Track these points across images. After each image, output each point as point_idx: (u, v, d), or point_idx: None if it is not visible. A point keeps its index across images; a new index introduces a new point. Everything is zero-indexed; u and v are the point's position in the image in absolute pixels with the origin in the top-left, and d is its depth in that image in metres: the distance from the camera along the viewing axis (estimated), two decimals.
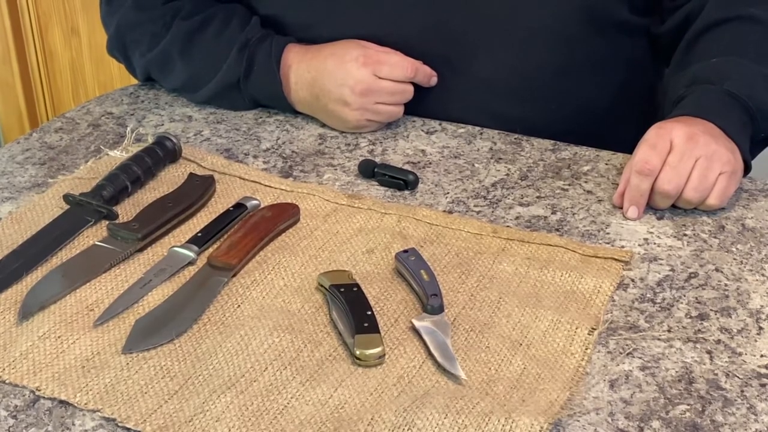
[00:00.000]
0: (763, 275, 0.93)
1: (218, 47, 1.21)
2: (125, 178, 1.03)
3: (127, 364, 0.80)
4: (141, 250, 0.95)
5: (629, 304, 0.89)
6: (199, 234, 0.96)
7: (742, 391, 0.78)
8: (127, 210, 1.01)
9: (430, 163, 1.13)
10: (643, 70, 1.28)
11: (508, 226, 1.00)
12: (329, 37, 1.20)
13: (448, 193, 1.07)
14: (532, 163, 1.13)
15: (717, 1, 1.14)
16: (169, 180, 1.08)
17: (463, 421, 0.73)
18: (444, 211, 1.03)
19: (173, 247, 0.94)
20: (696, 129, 1.00)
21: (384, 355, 0.81)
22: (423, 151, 1.16)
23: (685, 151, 0.98)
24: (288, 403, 0.76)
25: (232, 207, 1.01)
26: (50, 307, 0.86)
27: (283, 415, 0.75)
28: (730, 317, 0.87)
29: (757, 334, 0.85)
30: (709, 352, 0.83)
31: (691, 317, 0.87)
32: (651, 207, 1.02)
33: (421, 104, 1.21)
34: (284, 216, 0.99)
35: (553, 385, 0.78)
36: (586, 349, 0.82)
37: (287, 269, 0.92)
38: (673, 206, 1.03)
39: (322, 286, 0.89)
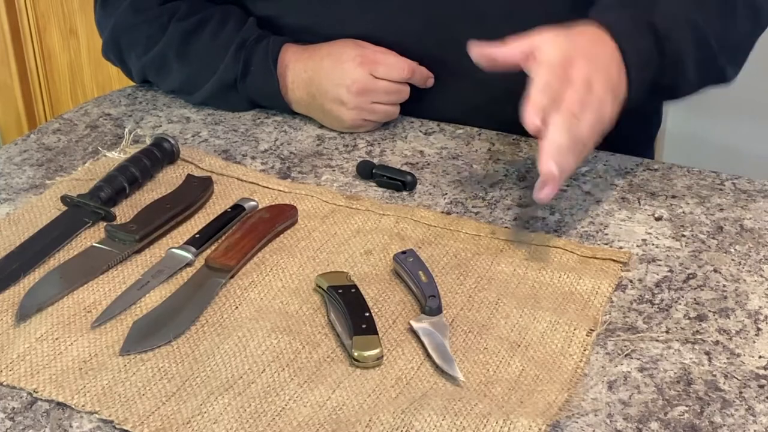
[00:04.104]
0: (761, 276, 0.93)
1: (215, 48, 1.21)
2: (123, 179, 1.03)
3: (125, 365, 0.80)
4: (139, 251, 0.95)
5: (627, 305, 0.89)
6: (197, 235, 0.96)
7: (741, 393, 0.78)
8: (125, 211, 1.01)
9: (429, 164, 1.13)
10: None
11: (506, 227, 1.00)
12: (326, 38, 1.20)
13: (446, 194, 1.07)
14: (531, 164, 1.12)
15: None
16: (167, 181, 1.07)
17: (461, 422, 0.73)
18: (442, 212, 1.03)
19: (171, 248, 0.94)
20: (597, 74, 0.94)
21: (382, 356, 0.81)
22: (421, 152, 1.16)
23: (580, 97, 0.92)
24: (286, 405, 0.76)
25: (230, 208, 1.01)
26: (48, 309, 0.86)
27: (281, 417, 0.75)
28: (729, 318, 0.87)
29: (756, 335, 0.85)
30: (707, 353, 0.83)
31: (689, 318, 0.87)
32: (647, 205, 1.01)
33: (418, 105, 1.21)
34: (282, 217, 0.99)
35: (552, 387, 0.78)
36: (585, 350, 0.82)
37: (285, 270, 0.92)
38: (672, 206, 1.03)
39: (320, 287, 0.88)
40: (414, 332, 0.84)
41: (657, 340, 0.84)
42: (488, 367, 0.80)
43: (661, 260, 0.95)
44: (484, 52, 0.97)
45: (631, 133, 1.30)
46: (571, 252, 0.95)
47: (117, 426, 0.74)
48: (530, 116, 0.92)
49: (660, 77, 1.03)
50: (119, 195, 1.03)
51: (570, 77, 0.93)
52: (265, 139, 1.18)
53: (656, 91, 1.04)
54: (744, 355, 0.82)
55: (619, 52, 0.98)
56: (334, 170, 1.11)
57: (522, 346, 0.83)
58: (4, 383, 0.79)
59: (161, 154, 1.09)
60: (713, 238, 0.99)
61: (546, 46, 0.96)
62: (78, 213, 0.99)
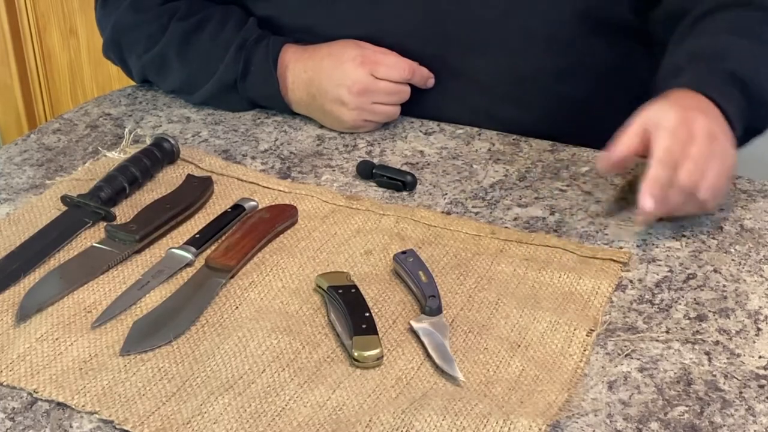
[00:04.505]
0: (761, 276, 0.93)
1: (215, 48, 1.21)
2: (123, 179, 1.03)
3: (125, 365, 0.80)
4: (139, 251, 0.95)
5: (627, 305, 0.89)
6: (197, 235, 0.96)
7: (741, 393, 0.78)
8: (125, 211, 1.01)
9: (429, 164, 1.13)
10: (640, 70, 1.28)
11: (506, 227, 1.00)
12: (326, 38, 1.20)
13: (446, 194, 1.07)
14: (531, 164, 1.13)
15: None
16: (167, 181, 1.07)
17: (461, 422, 0.73)
18: (442, 212, 1.03)
19: (171, 248, 0.94)
20: (714, 125, 0.96)
21: (382, 356, 0.81)
22: (421, 152, 1.16)
23: (706, 150, 0.94)
24: (286, 405, 0.76)
25: (230, 208, 1.01)
26: (48, 309, 0.86)
27: (281, 417, 0.75)
28: (729, 318, 0.87)
29: (756, 335, 0.85)
30: (707, 354, 0.83)
31: (689, 318, 0.87)
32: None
33: (418, 106, 1.21)
34: (282, 217, 0.99)
35: (552, 387, 0.78)
36: (585, 350, 0.82)
37: (285, 270, 0.92)
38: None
39: (320, 287, 0.88)
40: (414, 332, 0.84)
41: (657, 340, 0.84)
42: (488, 367, 0.80)
43: (661, 260, 0.95)
44: (610, 160, 0.98)
45: None
46: (571, 252, 0.95)
47: (117, 426, 0.74)
48: (646, 199, 0.94)
49: (752, 121, 1.03)
50: (119, 195, 1.03)
51: (693, 133, 0.94)
52: (265, 139, 1.18)
53: (748, 134, 1.05)
54: (744, 355, 0.82)
55: (718, 108, 0.99)
56: (334, 170, 1.11)
57: (522, 346, 0.83)
58: (5, 383, 0.79)
59: (161, 154, 1.09)
60: (713, 238, 0.99)
61: (658, 113, 0.97)
62: (78, 213, 0.99)
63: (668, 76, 1.06)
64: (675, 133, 0.94)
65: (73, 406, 0.76)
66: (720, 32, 1.07)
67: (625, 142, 0.97)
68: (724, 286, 0.92)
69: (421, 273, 0.89)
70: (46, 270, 0.92)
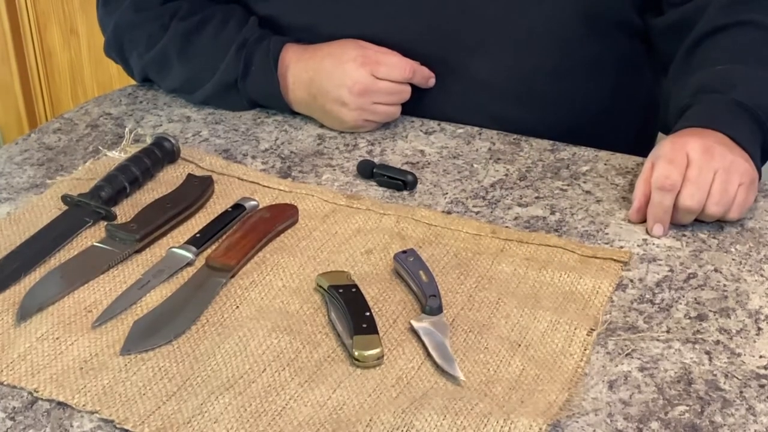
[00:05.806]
0: (761, 276, 0.93)
1: (216, 47, 1.21)
2: (123, 178, 1.03)
3: (126, 365, 0.80)
4: (139, 251, 0.95)
5: (628, 304, 0.89)
6: (198, 235, 0.96)
7: (741, 392, 0.78)
8: (126, 211, 1.01)
9: (429, 164, 1.13)
10: (640, 69, 1.28)
11: (506, 227, 1.00)
12: (328, 38, 1.20)
13: (446, 193, 1.07)
14: (531, 164, 1.13)
15: (717, 6, 1.12)
16: (167, 181, 1.07)
17: (461, 422, 0.73)
18: (443, 211, 1.03)
19: (171, 248, 0.94)
20: (710, 141, 0.98)
21: (382, 356, 0.81)
22: (422, 151, 1.16)
23: (702, 165, 0.96)
24: (286, 405, 0.76)
25: (230, 208, 1.01)
26: (48, 309, 0.86)
27: (282, 417, 0.75)
28: (729, 318, 0.87)
29: (756, 334, 0.85)
30: (708, 353, 0.83)
31: (690, 318, 0.87)
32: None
33: (419, 105, 1.21)
34: (283, 217, 0.99)
35: (552, 386, 0.78)
36: (585, 349, 0.82)
37: (286, 270, 0.92)
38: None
39: (320, 286, 0.89)
40: (414, 332, 0.84)
41: (657, 340, 0.84)
42: (489, 366, 0.80)
43: (661, 260, 0.95)
44: (638, 211, 1.01)
45: (631, 133, 1.30)
46: (572, 251, 0.95)
47: (117, 426, 0.74)
48: (653, 227, 0.99)
49: (767, 140, 1.05)
50: (120, 194, 1.03)
51: (689, 155, 0.97)
52: (265, 139, 1.18)
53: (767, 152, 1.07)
54: (744, 354, 0.83)
55: (727, 137, 1.00)
56: (334, 170, 1.11)
57: (522, 345, 0.83)
58: (5, 383, 0.79)
59: (162, 153, 1.09)
60: (714, 237, 0.99)
61: (657, 148, 1.01)
62: (79, 212, 0.99)
63: (676, 113, 1.08)
64: (671, 159, 0.98)
65: (74, 406, 0.76)
66: (722, 60, 1.09)
67: (640, 187, 1.00)
68: (724, 285, 0.92)
69: (421, 272, 0.89)
70: (46, 269, 0.92)
